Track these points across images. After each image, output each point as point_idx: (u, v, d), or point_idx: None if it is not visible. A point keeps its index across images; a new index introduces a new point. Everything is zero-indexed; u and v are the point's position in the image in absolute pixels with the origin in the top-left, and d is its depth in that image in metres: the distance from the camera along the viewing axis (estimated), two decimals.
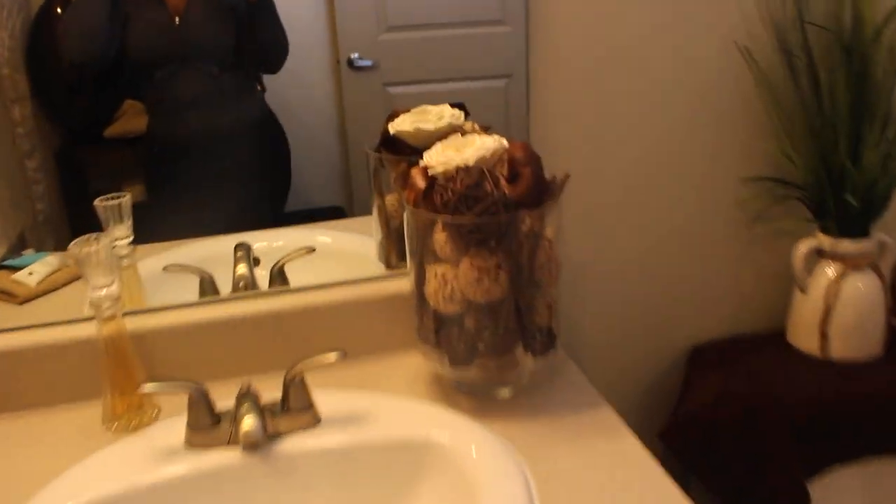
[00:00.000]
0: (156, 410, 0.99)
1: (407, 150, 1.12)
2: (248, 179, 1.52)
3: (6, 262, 1.32)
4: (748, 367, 1.34)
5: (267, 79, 1.48)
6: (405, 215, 0.99)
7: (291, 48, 1.42)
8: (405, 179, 1.15)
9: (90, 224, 2.51)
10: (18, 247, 2.31)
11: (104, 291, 0.92)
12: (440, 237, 0.93)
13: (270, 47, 1.53)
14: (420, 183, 0.95)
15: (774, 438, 1.23)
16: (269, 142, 1.55)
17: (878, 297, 1.30)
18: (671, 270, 1.41)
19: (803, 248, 1.31)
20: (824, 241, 1.30)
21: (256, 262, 1.20)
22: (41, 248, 2.34)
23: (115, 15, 1.55)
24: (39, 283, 1.26)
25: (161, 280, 1.15)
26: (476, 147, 0.94)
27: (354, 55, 1.58)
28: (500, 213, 0.88)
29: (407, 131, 1.11)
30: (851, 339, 1.30)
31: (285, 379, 0.92)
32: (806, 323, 1.33)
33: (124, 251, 1.07)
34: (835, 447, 1.26)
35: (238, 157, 1.51)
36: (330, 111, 1.87)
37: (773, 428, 1.23)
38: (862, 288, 1.29)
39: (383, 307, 1.09)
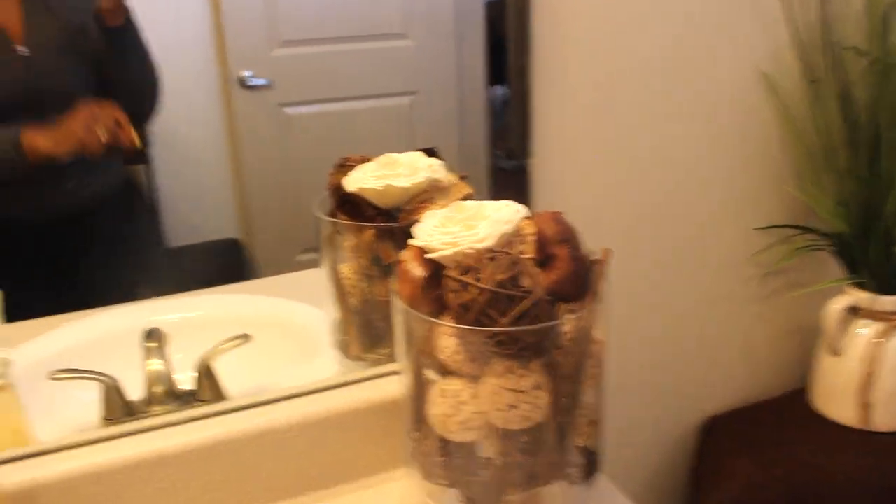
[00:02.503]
0: None
1: (370, 211, 0.88)
2: (109, 261, 1.23)
3: None
4: (779, 443, 1.14)
5: None
6: (396, 311, 0.74)
7: (174, 67, 1.22)
8: (370, 251, 0.91)
9: None
10: None
11: None
12: (448, 343, 0.69)
13: (133, 88, 1.24)
14: (417, 272, 0.70)
15: None
16: (131, 215, 1.27)
17: None
18: (679, 336, 1.21)
19: (838, 305, 1.12)
20: (861, 297, 1.11)
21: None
22: None
23: None
24: None
25: (40, 383, 0.86)
26: (491, 220, 0.70)
27: (247, 73, 1.39)
28: (544, 317, 0.64)
29: (373, 189, 0.86)
30: None
31: None
32: (841, 390, 1.15)
33: None
34: None
35: (90, 239, 1.22)
36: (219, 136, 1.68)
37: None
38: None
39: (352, 422, 0.83)
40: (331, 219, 0.88)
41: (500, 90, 1.23)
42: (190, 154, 1.42)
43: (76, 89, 1.23)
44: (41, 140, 1.11)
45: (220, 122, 1.54)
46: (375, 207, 0.88)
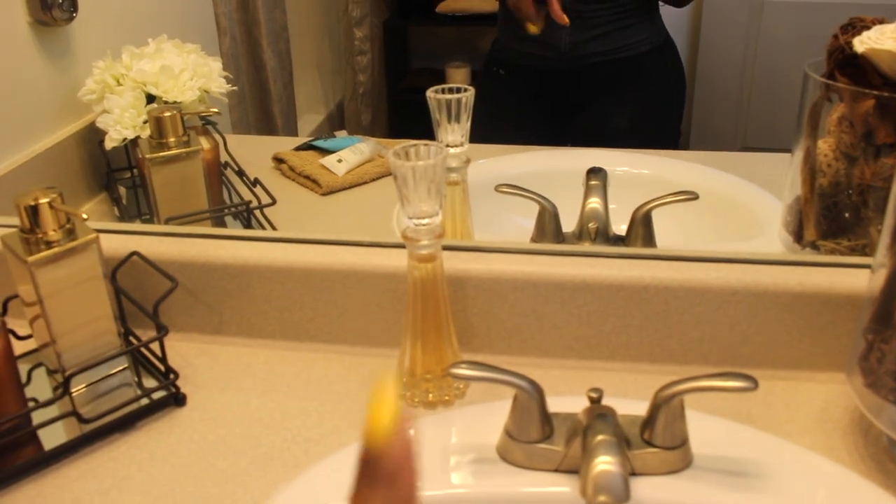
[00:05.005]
0: (461, 387, 0.73)
1: (877, 80, 0.75)
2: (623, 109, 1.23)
3: (316, 143, 1.12)
4: None
5: None
6: None
7: None
8: (863, 125, 0.80)
9: (408, 104, 2.37)
10: (337, 117, 2.20)
11: (425, 223, 0.65)
12: None
13: None
14: None
15: None
16: (659, 74, 1.24)
17: None
18: None
19: None
20: None
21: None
22: (358, 122, 2.21)
23: None
24: (347, 172, 1.06)
25: (486, 198, 0.89)
26: None
27: None
28: None
29: (889, 52, 0.73)
30: None
31: (657, 397, 0.62)
32: None
33: (455, 163, 0.80)
34: None
35: (612, 91, 1.21)
36: (683, 14, 1.57)
37: None
38: None
39: (797, 305, 0.74)
40: (826, 80, 0.77)
41: None
42: None
43: None
44: None
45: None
46: (884, 77, 0.75)
